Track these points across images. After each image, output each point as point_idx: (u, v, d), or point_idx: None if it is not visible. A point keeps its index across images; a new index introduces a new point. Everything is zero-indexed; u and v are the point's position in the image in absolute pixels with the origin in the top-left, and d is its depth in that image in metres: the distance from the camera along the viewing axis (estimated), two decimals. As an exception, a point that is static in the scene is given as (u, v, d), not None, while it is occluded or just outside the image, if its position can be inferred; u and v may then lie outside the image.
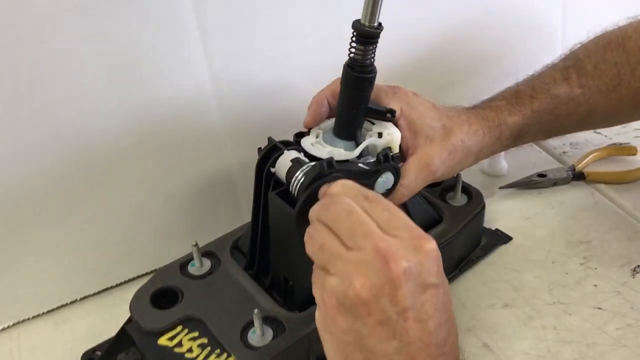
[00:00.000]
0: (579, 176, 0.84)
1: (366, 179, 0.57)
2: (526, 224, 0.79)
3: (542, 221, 0.79)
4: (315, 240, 0.46)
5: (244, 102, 0.71)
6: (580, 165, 0.86)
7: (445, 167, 0.63)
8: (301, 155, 0.57)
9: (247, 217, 0.78)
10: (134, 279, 0.74)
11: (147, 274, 0.75)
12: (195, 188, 0.73)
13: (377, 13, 0.52)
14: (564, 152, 0.92)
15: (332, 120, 0.63)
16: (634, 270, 0.71)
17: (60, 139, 0.62)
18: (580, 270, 0.72)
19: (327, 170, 0.52)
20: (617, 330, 0.64)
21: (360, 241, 0.43)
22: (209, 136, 0.71)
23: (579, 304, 0.67)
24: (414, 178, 0.61)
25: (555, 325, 0.65)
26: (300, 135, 0.62)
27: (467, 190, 0.73)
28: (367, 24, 0.52)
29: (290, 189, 0.54)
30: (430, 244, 0.43)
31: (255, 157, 0.74)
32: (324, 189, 0.51)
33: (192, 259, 0.65)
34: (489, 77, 0.89)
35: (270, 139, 0.59)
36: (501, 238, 0.76)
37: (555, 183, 0.84)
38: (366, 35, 0.53)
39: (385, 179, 0.58)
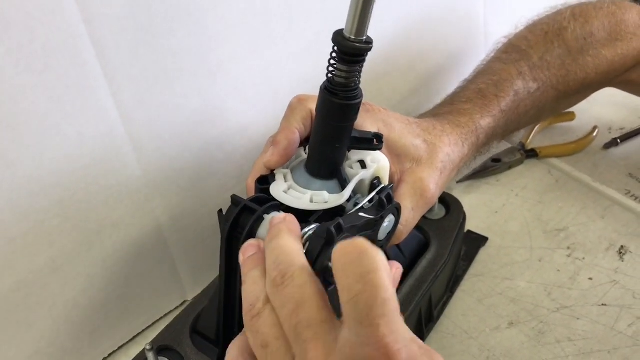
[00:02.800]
0: (531, 154, 0.79)
1: (370, 229, 0.45)
2: (497, 219, 0.72)
3: (512, 213, 0.73)
4: (259, 333, 0.34)
5: (166, 142, 0.55)
6: (528, 142, 0.80)
7: (439, 189, 0.53)
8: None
9: (189, 285, 0.63)
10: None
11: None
12: (121, 260, 0.56)
13: (367, 23, 0.39)
14: (504, 128, 0.86)
15: (296, 153, 0.50)
16: (620, 252, 0.67)
17: None
18: (569, 263, 0.66)
19: (336, 238, 0.39)
20: (630, 327, 0.59)
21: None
22: (128, 191, 0.54)
23: (583, 304, 0.62)
24: (410, 211, 0.50)
25: (569, 335, 0.59)
26: (264, 181, 0.48)
27: (443, 199, 0.64)
28: (353, 37, 0.39)
29: (287, 267, 0.41)
30: None
31: (189, 207, 0.59)
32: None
33: (144, 362, 0.49)
34: (417, 77, 0.80)
35: (235, 199, 0.44)
36: (478, 241, 0.69)
37: (510, 166, 0.78)
38: (353, 52, 0.40)
39: (388, 223, 0.47)
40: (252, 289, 0.36)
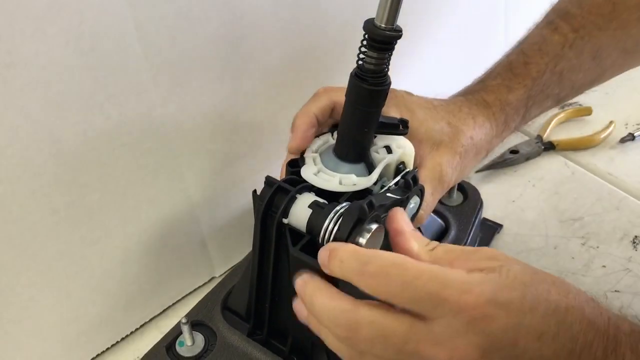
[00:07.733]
0: (548, 146, 0.81)
1: (396, 209, 0.47)
2: (513, 208, 0.74)
3: (528, 202, 0.75)
4: None
5: (199, 125, 0.58)
6: (546, 135, 0.82)
7: (457, 174, 0.55)
8: (316, 197, 0.46)
9: (218, 263, 0.66)
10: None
11: (105, 351, 0.60)
12: (155, 236, 0.59)
13: (397, 13, 0.41)
14: (522, 120, 0.88)
15: (323, 138, 0.52)
16: (634, 242, 0.69)
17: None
18: (583, 252, 0.68)
19: (368, 215, 0.42)
20: (642, 314, 0.61)
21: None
22: (164, 170, 0.57)
23: (596, 290, 0.64)
24: (430, 195, 0.52)
25: (582, 320, 0.61)
26: (294, 164, 0.50)
27: (461, 186, 0.66)
28: (383, 25, 0.41)
29: (320, 242, 0.43)
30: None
31: (220, 187, 0.62)
32: (325, 255, 0.40)
33: (177, 336, 0.52)
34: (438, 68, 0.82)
35: (269, 179, 0.47)
36: (493, 228, 0.71)
37: (528, 158, 0.80)
38: (383, 40, 0.42)
39: (414, 205, 0.49)
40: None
